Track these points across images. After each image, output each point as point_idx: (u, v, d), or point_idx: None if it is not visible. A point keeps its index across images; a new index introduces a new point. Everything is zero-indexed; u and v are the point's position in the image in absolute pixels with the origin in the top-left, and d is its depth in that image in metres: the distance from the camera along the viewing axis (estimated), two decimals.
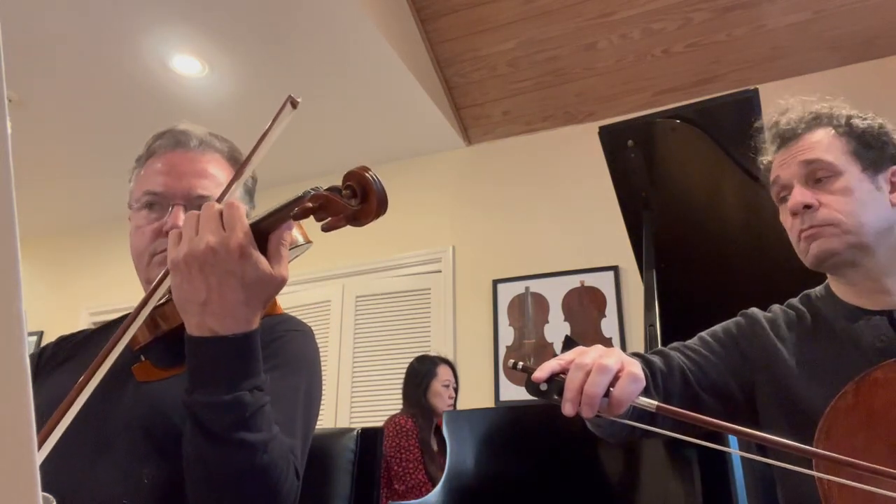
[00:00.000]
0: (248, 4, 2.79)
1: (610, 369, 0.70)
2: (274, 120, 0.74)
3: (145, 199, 0.91)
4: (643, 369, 0.91)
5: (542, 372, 0.72)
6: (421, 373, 2.78)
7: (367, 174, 0.65)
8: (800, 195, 0.92)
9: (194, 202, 0.89)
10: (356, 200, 0.65)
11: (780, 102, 1.03)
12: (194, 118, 1.01)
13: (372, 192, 0.64)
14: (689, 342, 1.00)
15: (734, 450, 1.06)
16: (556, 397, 0.72)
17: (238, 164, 0.99)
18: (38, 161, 3.94)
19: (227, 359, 0.69)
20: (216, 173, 0.94)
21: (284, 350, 0.88)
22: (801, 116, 0.98)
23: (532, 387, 0.73)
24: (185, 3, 2.76)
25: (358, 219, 0.65)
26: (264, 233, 0.71)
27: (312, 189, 0.68)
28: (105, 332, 0.96)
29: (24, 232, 4.54)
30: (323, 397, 3.41)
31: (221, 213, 0.69)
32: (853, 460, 0.59)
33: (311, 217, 0.67)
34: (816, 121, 0.97)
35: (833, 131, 0.96)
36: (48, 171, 4.06)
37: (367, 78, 3.28)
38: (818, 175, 0.93)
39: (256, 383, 0.70)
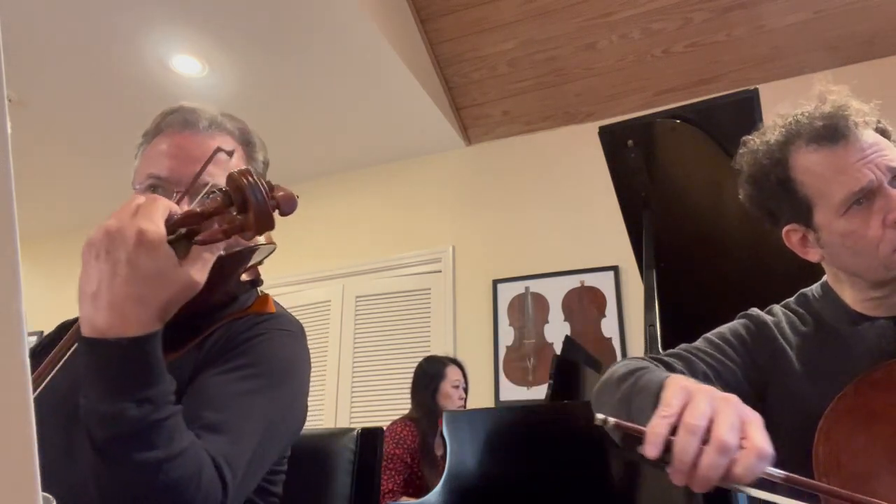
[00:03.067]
0: (248, 4, 2.79)
1: (732, 448, 0.58)
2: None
3: (149, 181, 0.86)
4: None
5: (655, 448, 0.60)
6: (430, 374, 2.74)
7: (244, 180, 0.58)
8: None
9: (199, 189, 0.83)
10: (235, 209, 0.58)
11: (820, 87, 0.94)
12: None
13: (249, 204, 0.57)
14: (699, 346, 0.96)
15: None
16: (664, 464, 0.60)
17: (250, 146, 0.96)
18: (38, 161, 3.94)
19: (111, 365, 0.61)
20: (225, 158, 0.87)
21: (254, 350, 0.81)
22: (847, 110, 0.90)
23: (630, 448, 0.62)
24: (185, 3, 2.76)
25: (244, 230, 0.58)
26: (193, 230, 0.64)
27: (217, 189, 0.62)
28: None
29: (24, 232, 4.54)
30: (323, 397, 3.38)
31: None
32: (859, 497, 0.58)
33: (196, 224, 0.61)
34: (866, 123, 0.91)
35: (879, 134, 0.90)
36: (48, 171, 4.06)
37: (367, 78, 3.27)
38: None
39: (147, 395, 0.62)
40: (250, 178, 0.58)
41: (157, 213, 0.62)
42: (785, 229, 0.96)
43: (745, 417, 0.61)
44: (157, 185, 0.86)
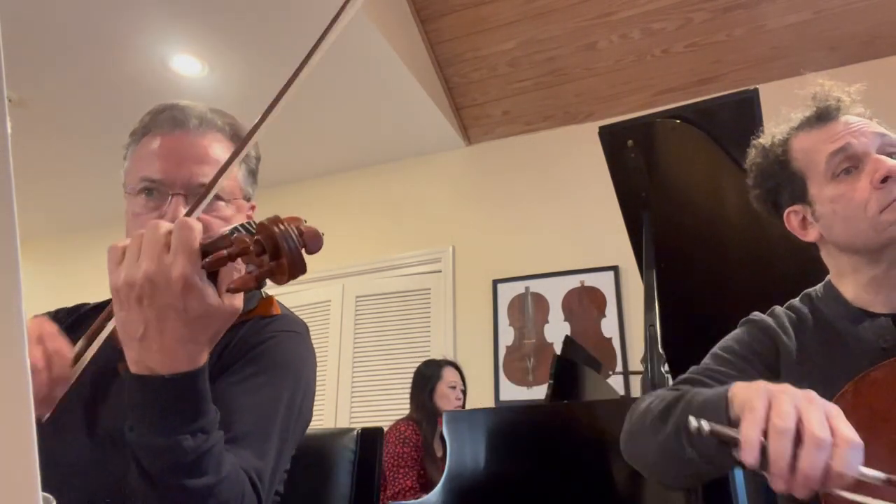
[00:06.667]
0: (248, 4, 2.79)
1: (826, 443, 0.57)
2: (334, 19, 0.65)
3: (143, 184, 0.86)
4: None
5: (751, 455, 0.59)
6: (426, 376, 2.82)
7: (275, 228, 0.57)
8: (891, 162, 0.87)
9: (195, 191, 0.83)
10: (267, 258, 0.58)
11: (814, 86, 0.98)
12: None
13: (282, 251, 0.57)
14: (709, 365, 0.94)
15: None
16: (763, 469, 0.59)
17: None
18: (38, 161, 3.94)
19: (165, 401, 0.62)
20: (218, 156, 0.87)
21: (270, 354, 0.83)
22: (838, 96, 0.96)
23: (724, 455, 0.61)
24: (185, 3, 2.76)
25: (274, 275, 0.58)
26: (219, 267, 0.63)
27: (247, 223, 0.62)
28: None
29: (24, 232, 4.54)
30: (323, 397, 3.39)
31: (170, 234, 0.60)
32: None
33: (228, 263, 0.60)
34: (856, 104, 0.96)
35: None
36: (48, 171, 4.06)
37: (368, 78, 3.27)
38: (888, 150, 0.90)
39: (201, 425, 0.63)
40: (282, 227, 0.57)
41: (194, 247, 0.60)
42: (786, 212, 0.98)
43: (829, 411, 0.60)
44: (151, 188, 0.85)
